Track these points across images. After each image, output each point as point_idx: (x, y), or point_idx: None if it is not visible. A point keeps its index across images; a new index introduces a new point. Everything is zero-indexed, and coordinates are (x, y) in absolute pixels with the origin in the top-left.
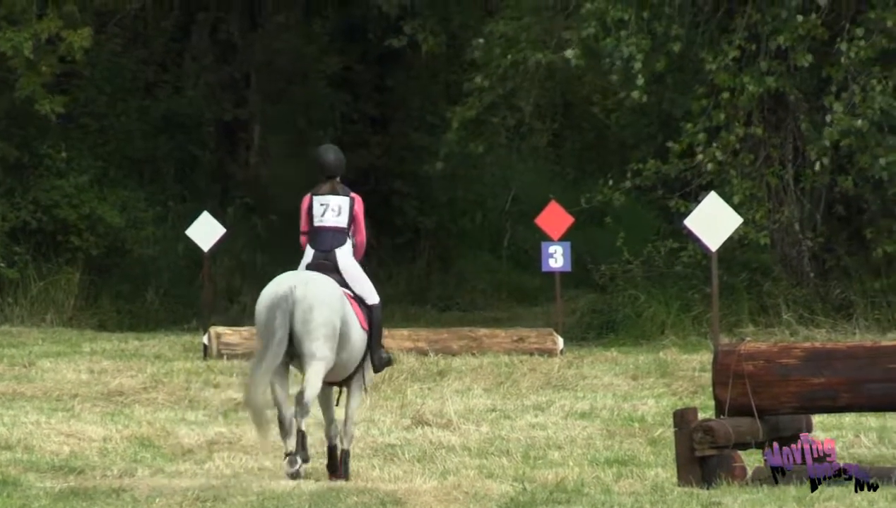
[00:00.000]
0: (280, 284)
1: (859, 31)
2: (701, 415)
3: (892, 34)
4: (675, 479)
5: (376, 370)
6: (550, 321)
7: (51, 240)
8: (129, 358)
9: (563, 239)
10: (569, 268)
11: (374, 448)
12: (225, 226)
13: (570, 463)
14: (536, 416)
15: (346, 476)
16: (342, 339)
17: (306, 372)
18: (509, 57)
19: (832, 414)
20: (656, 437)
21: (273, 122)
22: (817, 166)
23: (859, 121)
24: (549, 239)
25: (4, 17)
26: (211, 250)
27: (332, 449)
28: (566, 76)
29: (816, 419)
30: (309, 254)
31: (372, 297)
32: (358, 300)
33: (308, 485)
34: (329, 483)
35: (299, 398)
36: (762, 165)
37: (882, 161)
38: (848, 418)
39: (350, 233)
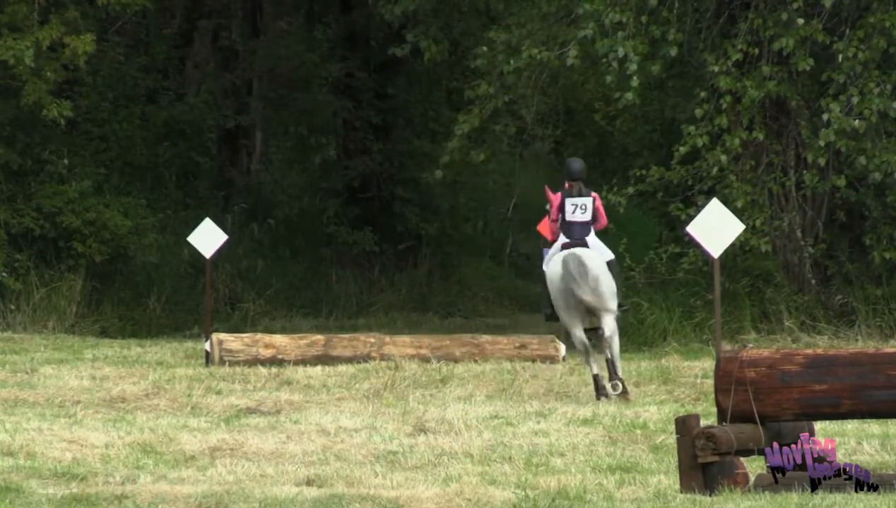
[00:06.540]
0: (569, 262)
1: (860, 34)
2: (703, 422)
3: (890, 35)
4: (677, 486)
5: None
6: (552, 328)
7: (53, 246)
8: (131, 365)
9: None
10: None
11: (375, 454)
12: (227, 233)
13: (573, 470)
14: (539, 423)
15: (621, 379)
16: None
17: (604, 321)
18: (512, 62)
19: (834, 421)
20: (658, 444)
21: (275, 129)
22: (814, 169)
23: (856, 122)
24: (550, 245)
25: (6, 24)
26: (213, 257)
27: (608, 361)
28: (568, 83)
29: (818, 426)
30: (563, 239)
31: (608, 255)
32: None
33: (311, 492)
34: (331, 490)
35: (602, 337)
36: (763, 172)
37: (876, 160)
38: (850, 425)
39: (592, 223)
